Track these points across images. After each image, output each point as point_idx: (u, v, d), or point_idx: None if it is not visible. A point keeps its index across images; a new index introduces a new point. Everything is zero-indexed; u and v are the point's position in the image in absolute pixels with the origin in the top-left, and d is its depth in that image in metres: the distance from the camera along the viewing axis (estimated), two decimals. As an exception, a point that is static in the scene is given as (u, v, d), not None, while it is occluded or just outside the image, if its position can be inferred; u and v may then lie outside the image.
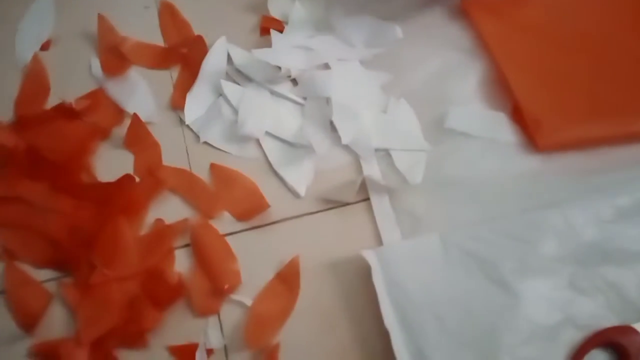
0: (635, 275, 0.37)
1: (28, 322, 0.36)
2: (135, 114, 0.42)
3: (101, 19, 0.47)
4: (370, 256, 0.37)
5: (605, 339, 0.36)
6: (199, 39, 0.46)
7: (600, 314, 0.36)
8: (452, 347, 0.35)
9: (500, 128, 0.43)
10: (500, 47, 0.46)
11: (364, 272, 0.37)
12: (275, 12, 0.48)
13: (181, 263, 0.38)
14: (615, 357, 0.36)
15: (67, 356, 0.34)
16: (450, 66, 0.46)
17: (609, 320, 0.36)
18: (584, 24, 0.47)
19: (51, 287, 0.37)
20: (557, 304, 0.36)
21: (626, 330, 0.36)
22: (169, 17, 0.48)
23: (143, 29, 0.47)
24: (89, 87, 0.44)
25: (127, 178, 0.39)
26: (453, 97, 0.44)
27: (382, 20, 0.46)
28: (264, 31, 0.47)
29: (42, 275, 0.38)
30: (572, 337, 0.36)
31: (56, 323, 0.37)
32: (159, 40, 0.47)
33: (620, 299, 0.37)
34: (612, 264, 0.38)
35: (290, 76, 0.44)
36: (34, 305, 0.36)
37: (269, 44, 0.46)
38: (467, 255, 0.37)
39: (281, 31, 0.47)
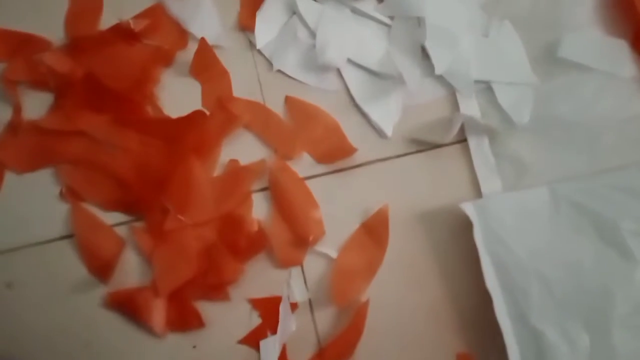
0: None
1: (101, 268, 0.35)
2: (202, 39, 0.38)
3: None
4: (470, 210, 0.34)
5: None
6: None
7: None
8: (558, 314, 0.33)
9: (621, 59, 0.38)
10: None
11: (459, 225, 0.35)
12: None
13: (259, 209, 0.36)
14: None
15: (145, 307, 0.34)
16: (564, -18, 0.40)
17: None
18: None
19: (122, 231, 0.36)
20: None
21: None
22: None
23: None
24: (147, 1, 0.40)
25: (198, 114, 0.36)
26: (566, 20, 0.39)
27: None
28: None
29: (111, 218, 0.36)
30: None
31: (130, 270, 0.35)
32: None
33: None
34: None
35: (377, -10, 0.39)
36: (107, 251, 0.35)
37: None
38: (580, 212, 0.34)
39: None
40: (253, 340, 0.34)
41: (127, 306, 0.34)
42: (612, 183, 0.35)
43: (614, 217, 0.34)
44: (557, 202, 0.35)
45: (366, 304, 0.34)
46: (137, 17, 0.39)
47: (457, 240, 0.35)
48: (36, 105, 0.38)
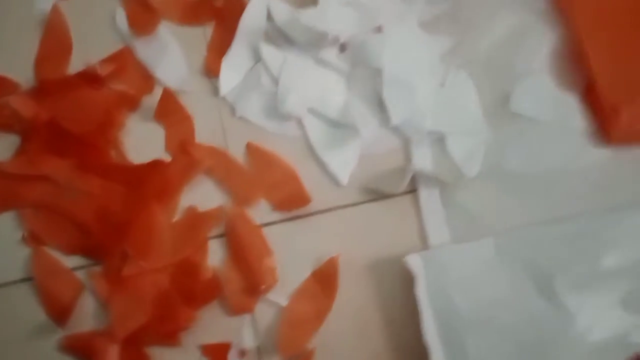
0: None
1: (59, 312, 0.36)
2: (165, 88, 0.39)
3: (126, -36, 0.42)
4: (415, 262, 0.35)
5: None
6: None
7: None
8: (495, 367, 0.34)
9: (569, 112, 0.39)
10: (586, 10, 0.40)
11: (407, 276, 0.36)
12: (323, -44, 0.43)
13: (215, 255, 0.38)
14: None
15: (100, 352, 0.35)
16: (519, 32, 0.41)
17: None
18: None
19: (81, 274, 0.37)
20: (608, 323, 0.35)
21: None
22: (201, -41, 0.43)
23: (172, -27, 0.43)
24: (114, 43, 0.41)
25: (159, 162, 0.38)
26: (520, 70, 0.40)
27: (447, -30, 0.41)
28: (311, -19, 0.42)
29: (72, 262, 0.38)
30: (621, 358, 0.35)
31: (87, 314, 0.37)
32: (189, -12, 0.43)
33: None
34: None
35: (338, 41, 0.40)
36: (66, 295, 0.37)
37: (315, -3, 0.41)
38: (522, 265, 0.36)
39: (329, -19, 0.42)
40: (203, 385, 0.36)
41: (82, 350, 0.36)
42: (555, 235, 0.36)
43: (553, 271, 0.35)
44: (501, 255, 0.36)
45: (311, 353, 0.36)
46: (104, 62, 0.40)
47: (404, 291, 0.36)
48: (2, 148, 0.39)
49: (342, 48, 0.41)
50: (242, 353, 0.36)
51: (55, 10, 0.42)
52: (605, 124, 0.38)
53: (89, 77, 0.39)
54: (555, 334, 0.35)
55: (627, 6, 0.40)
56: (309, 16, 0.39)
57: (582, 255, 0.36)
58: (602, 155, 0.39)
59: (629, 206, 0.37)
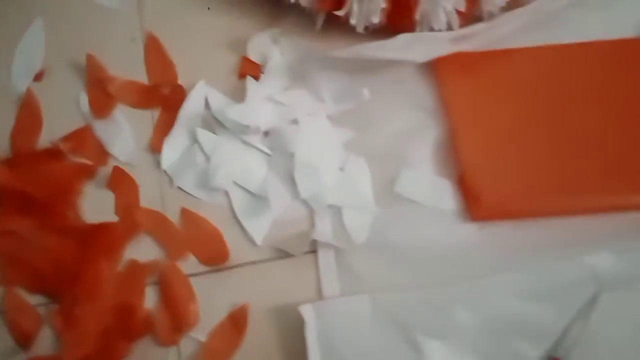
0: (533, 345, 0.51)
1: (23, 340, 0.51)
2: (116, 167, 0.55)
3: (90, 57, 0.58)
4: (307, 311, 0.51)
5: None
6: (179, 86, 0.57)
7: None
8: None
9: (443, 196, 0.55)
10: (458, 109, 0.56)
11: (302, 322, 0.51)
12: (254, 55, 0.59)
13: (150, 299, 0.53)
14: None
15: (54, 374, 0.50)
16: (411, 126, 0.57)
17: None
18: (553, 95, 0.57)
19: (42, 310, 0.52)
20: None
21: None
22: (154, 52, 0.59)
23: (129, 62, 0.59)
24: (78, 121, 0.57)
25: (108, 223, 0.53)
26: (408, 158, 0.56)
27: (354, 73, 0.57)
28: (242, 75, 0.58)
29: (35, 300, 0.53)
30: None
31: (47, 341, 0.52)
32: (143, 75, 0.59)
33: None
34: (519, 337, 0.51)
35: (260, 130, 0.56)
36: (28, 326, 0.51)
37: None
38: (391, 318, 0.51)
39: (258, 77, 0.58)
40: (135, 404, 0.51)
41: (41, 371, 0.51)
42: (418, 296, 0.52)
43: (415, 324, 0.51)
44: (375, 308, 0.51)
45: (223, 380, 0.51)
46: (67, 138, 0.56)
47: (300, 335, 0.51)
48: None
49: (265, 134, 0.57)
50: (169, 379, 0.51)
51: (29, 92, 0.58)
52: (470, 205, 0.55)
53: (54, 152, 0.55)
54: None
55: (495, 112, 0.57)
56: (235, 111, 0.55)
57: (440, 312, 0.51)
58: (468, 230, 0.55)
59: (484, 275, 0.53)
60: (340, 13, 0.55)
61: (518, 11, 0.57)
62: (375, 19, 0.55)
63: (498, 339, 0.51)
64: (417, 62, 0.55)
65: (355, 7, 0.55)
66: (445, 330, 0.51)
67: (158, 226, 0.54)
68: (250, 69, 0.58)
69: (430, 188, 0.55)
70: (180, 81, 0.58)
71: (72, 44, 0.59)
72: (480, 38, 0.56)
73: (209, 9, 0.61)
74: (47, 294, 0.53)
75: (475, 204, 0.54)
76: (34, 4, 0.61)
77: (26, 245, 0.53)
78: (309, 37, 0.59)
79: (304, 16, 0.58)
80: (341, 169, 0.56)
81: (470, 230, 0.54)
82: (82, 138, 0.56)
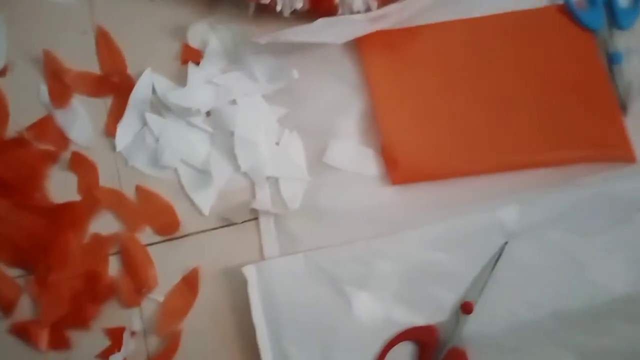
0: (448, 291, 0.59)
1: (6, 308, 0.59)
2: (74, 152, 0.62)
3: (46, 52, 0.64)
4: (249, 270, 0.58)
5: (410, 335, 0.58)
6: (127, 75, 0.63)
7: (414, 319, 0.58)
8: (304, 343, 0.58)
9: (367, 163, 0.62)
10: (379, 83, 0.63)
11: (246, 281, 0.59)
12: (194, 42, 0.65)
13: (113, 267, 0.60)
14: (417, 348, 0.58)
15: (34, 335, 0.58)
16: (338, 101, 0.63)
17: (420, 322, 0.58)
18: (465, 65, 0.63)
19: (21, 281, 0.60)
20: (382, 311, 0.58)
21: (427, 328, 0.58)
22: (104, 43, 0.65)
23: (82, 54, 0.65)
24: (40, 111, 0.63)
25: (71, 202, 0.60)
26: (336, 130, 0.62)
27: (284, 55, 0.63)
28: (184, 61, 0.64)
29: (14, 272, 0.60)
30: (391, 335, 0.58)
31: (27, 308, 0.60)
32: (96, 66, 0.65)
33: (434, 306, 0.59)
34: (435, 283, 0.59)
35: (200, 112, 0.62)
36: (9, 295, 0.59)
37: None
38: (323, 273, 0.59)
39: (198, 62, 0.64)
40: (105, 356, 0.59)
41: (23, 333, 0.59)
42: (345, 251, 0.59)
43: (343, 276, 0.58)
44: (309, 265, 0.59)
45: (179, 331, 0.59)
46: (31, 127, 0.62)
47: (246, 293, 0.59)
48: (-40, 192, 0.62)
49: (207, 114, 0.63)
50: (133, 333, 0.59)
51: (-5, 86, 0.64)
52: (389, 170, 0.62)
53: (20, 141, 0.62)
54: (344, 322, 0.58)
55: (412, 84, 0.63)
56: (177, 95, 0.61)
57: (364, 265, 0.59)
58: (389, 192, 0.62)
59: (401, 230, 0.60)
60: (265, 1, 0.61)
61: (429, -10, 0.62)
62: (299, 4, 0.61)
63: (417, 286, 0.59)
64: (336, 43, 0.60)
65: (279, -4, 0.60)
66: (370, 281, 0.59)
67: (116, 202, 0.62)
68: (191, 55, 0.64)
69: (355, 157, 0.62)
70: (129, 69, 0.64)
71: (30, 39, 0.65)
72: (394, 17, 0.62)
73: (152, 0, 0.66)
74: (23, 267, 0.60)
75: (394, 169, 0.61)
76: (-7, 2, 0.67)
77: (4, 223, 0.60)
78: (244, 22, 0.65)
79: (238, 4, 0.64)
80: (277, 143, 0.63)
81: (391, 192, 0.61)
82: (44, 127, 0.62)
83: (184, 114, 0.62)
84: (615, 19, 0.65)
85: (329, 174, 0.62)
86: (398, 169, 0.61)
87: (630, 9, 0.65)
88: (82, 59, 0.65)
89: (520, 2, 0.65)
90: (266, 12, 0.63)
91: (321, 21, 0.60)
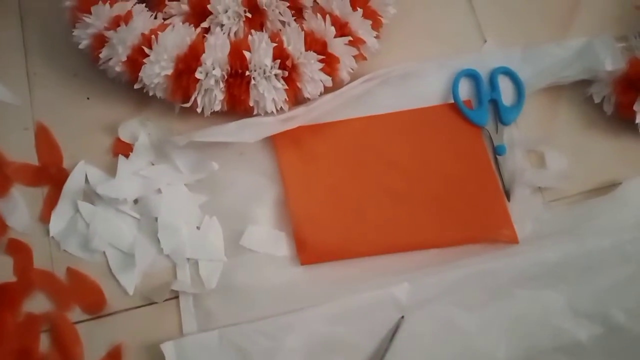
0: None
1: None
2: (13, 239, 0.67)
3: (-12, 146, 0.70)
4: (167, 347, 0.63)
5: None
6: (62, 168, 0.69)
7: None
8: None
9: (279, 246, 0.68)
10: (290, 174, 0.70)
11: (166, 356, 0.64)
12: (125, 137, 0.71)
13: (44, 343, 0.65)
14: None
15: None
16: (254, 189, 0.70)
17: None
18: (365, 158, 0.71)
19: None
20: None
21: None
22: (43, 138, 0.71)
23: (23, 148, 0.71)
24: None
25: (7, 284, 0.65)
26: (252, 216, 0.69)
27: (205, 148, 0.69)
28: (116, 154, 0.70)
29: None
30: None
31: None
32: (34, 158, 0.70)
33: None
34: (337, 356, 0.64)
35: (127, 201, 0.68)
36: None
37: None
38: (235, 348, 0.64)
39: (128, 155, 0.70)
40: None
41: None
42: (256, 328, 0.64)
43: (253, 351, 0.63)
44: (222, 341, 0.64)
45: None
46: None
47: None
48: None
49: (135, 202, 0.69)
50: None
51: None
52: (299, 252, 0.67)
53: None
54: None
55: (319, 174, 0.70)
56: (106, 187, 0.67)
57: (273, 339, 0.64)
58: (297, 271, 0.67)
59: (307, 307, 0.65)
60: (186, 105, 0.68)
61: (331, 95, 0.70)
62: (217, 107, 0.68)
63: (321, 359, 0.64)
64: (250, 142, 0.67)
65: (198, 100, 0.67)
66: (278, 355, 0.64)
67: (49, 283, 0.66)
68: (121, 149, 0.70)
69: (269, 240, 0.68)
70: (65, 161, 0.70)
71: (-25, 133, 0.71)
72: (302, 118, 0.69)
73: (88, 98, 0.73)
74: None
75: (303, 250, 0.67)
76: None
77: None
78: (171, 119, 0.72)
79: (166, 103, 0.70)
80: (198, 227, 0.68)
81: (300, 271, 0.67)
82: (-15, 218, 0.68)
83: (113, 202, 0.68)
84: (499, 116, 0.73)
85: (245, 255, 0.67)
86: (306, 250, 0.67)
87: (512, 107, 0.74)
88: (23, 152, 0.71)
89: (414, 102, 0.73)
90: (191, 110, 0.69)
91: (236, 123, 0.67)
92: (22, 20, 0.76)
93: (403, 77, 0.74)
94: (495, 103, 0.74)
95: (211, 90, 0.67)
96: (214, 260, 0.67)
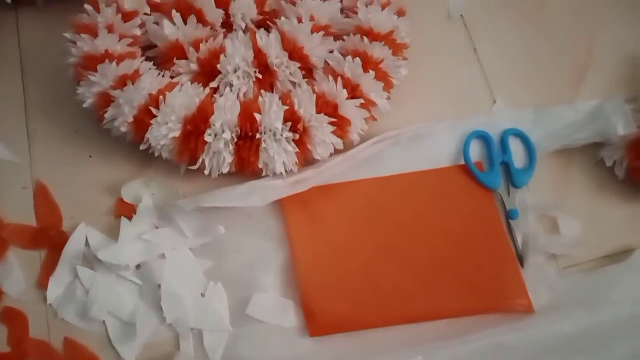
0: None
1: None
2: (8, 307, 0.62)
3: (-16, 208, 0.65)
4: None
5: None
6: (62, 231, 0.65)
7: None
8: None
9: (286, 315, 0.64)
10: (298, 238, 0.66)
11: None
12: (128, 197, 0.67)
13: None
14: None
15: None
16: (261, 255, 0.66)
17: None
18: (376, 221, 0.67)
19: None
20: None
21: None
22: (42, 198, 0.67)
23: (20, 208, 0.67)
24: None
25: (0, 355, 0.60)
26: (259, 283, 0.65)
27: (211, 211, 0.65)
28: (118, 215, 0.66)
29: None
30: None
31: None
32: (32, 219, 0.66)
33: None
34: None
35: (129, 267, 0.63)
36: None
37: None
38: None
39: (131, 216, 0.66)
40: None
41: None
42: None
43: None
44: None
45: None
46: (-35, 279, 0.63)
47: None
48: None
49: (137, 267, 0.65)
50: None
51: None
52: (307, 323, 0.63)
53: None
54: None
55: (329, 239, 0.66)
56: (107, 253, 0.63)
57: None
58: (307, 343, 0.63)
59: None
60: (194, 167, 0.64)
61: (341, 157, 0.67)
62: (225, 170, 0.64)
63: None
64: (257, 206, 0.64)
65: (206, 162, 0.64)
66: None
67: (44, 354, 0.62)
68: (124, 210, 0.66)
69: (276, 309, 0.64)
70: (65, 222, 0.66)
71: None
72: (312, 181, 0.66)
73: (90, 156, 0.69)
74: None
75: (311, 321, 0.63)
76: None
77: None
78: (176, 178, 0.68)
79: (171, 162, 0.67)
80: (202, 294, 0.64)
81: (308, 344, 0.63)
82: (-22, 281, 0.63)
83: (114, 268, 0.63)
84: (511, 179, 0.70)
85: (251, 325, 0.63)
86: (315, 321, 0.63)
87: (524, 170, 0.71)
88: (20, 212, 0.66)
89: (425, 163, 0.70)
90: (197, 170, 0.66)
91: (245, 187, 0.64)
92: (23, 75, 0.73)
93: (413, 138, 0.71)
94: (506, 165, 0.71)
95: (220, 152, 0.63)
96: (218, 330, 0.63)
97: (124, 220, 0.65)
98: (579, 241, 0.68)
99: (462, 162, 0.71)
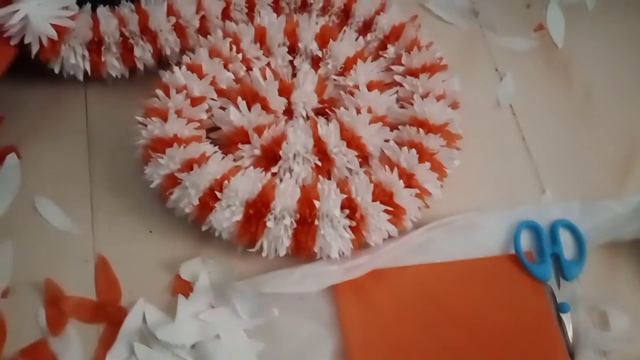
0: None
1: None
2: None
3: (48, 280, 0.67)
4: None
5: None
6: (120, 307, 0.66)
7: None
8: None
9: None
10: (352, 324, 0.66)
11: None
12: (185, 275, 0.68)
13: None
14: None
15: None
16: (313, 339, 0.66)
17: None
18: (431, 308, 0.67)
19: None
20: None
21: None
22: (103, 272, 0.68)
23: (81, 281, 0.68)
24: (37, 334, 0.65)
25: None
26: (311, 367, 0.65)
27: (266, 292, 0.66)
28: (175, 292, 0.67)
29: None
30: None
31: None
32: (92, 292, 0.67)
33: None
34: None
35: (185, 347, 0.64)
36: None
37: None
38: None
39: (188, 294, 0.66)
40: None
41: None
42: None
43: None
44: None
45: None
46: (24, 352, 0.63)
47: None
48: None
49: (193, 346, 0.65)
50: None
51: (-6, 312, 0.66)
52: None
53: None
54: None
55: (383, 326, 0.66)
56: (165, 332, 0.63)
57: None
58: None
59: None
60: (252, 250, 0.65)
61: (395, 243, 0.67)
62: (282, 253, 0.65)
63: None
64: (312, 291, 0.64)
65: (264, 245, 0.65)
66: None
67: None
68: (181, 288, 0.67)
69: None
70: (123, 297, 0.67)
71: (33, 264, 0.68)
72: (367, 266, 0.66)
73: (150, 232, 0.70)
74: None
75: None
76: (4, 227, 0.70)
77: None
78: (233, 258, 0.69)
79: (229, 242, 0.68)
80: (250, 376, 0.64)
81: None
82: (38, 351, 0.64)
83: (171, 347, 0.64)
84: (562, 271, 0.70)
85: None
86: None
87: (574, 261, 0.71)
88: (81, 286, 0.68)
89: (475, 251, 0.70)
90: (253, 253, 0.67)
91: (300, 272, 0.64)
92: (89, 148, 0.75)
93: (464, 226, 0.72)
94: (557, 257, 0.71)
95: (279, 236, 0.64)
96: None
97: (181, 298, 0.66)
98: (629, 336, 0.68)
99: (512, 252, 0.71)
